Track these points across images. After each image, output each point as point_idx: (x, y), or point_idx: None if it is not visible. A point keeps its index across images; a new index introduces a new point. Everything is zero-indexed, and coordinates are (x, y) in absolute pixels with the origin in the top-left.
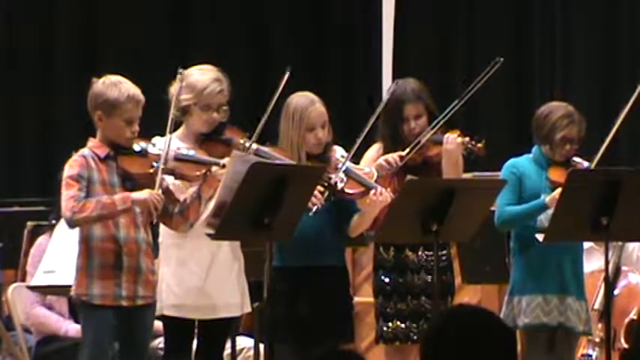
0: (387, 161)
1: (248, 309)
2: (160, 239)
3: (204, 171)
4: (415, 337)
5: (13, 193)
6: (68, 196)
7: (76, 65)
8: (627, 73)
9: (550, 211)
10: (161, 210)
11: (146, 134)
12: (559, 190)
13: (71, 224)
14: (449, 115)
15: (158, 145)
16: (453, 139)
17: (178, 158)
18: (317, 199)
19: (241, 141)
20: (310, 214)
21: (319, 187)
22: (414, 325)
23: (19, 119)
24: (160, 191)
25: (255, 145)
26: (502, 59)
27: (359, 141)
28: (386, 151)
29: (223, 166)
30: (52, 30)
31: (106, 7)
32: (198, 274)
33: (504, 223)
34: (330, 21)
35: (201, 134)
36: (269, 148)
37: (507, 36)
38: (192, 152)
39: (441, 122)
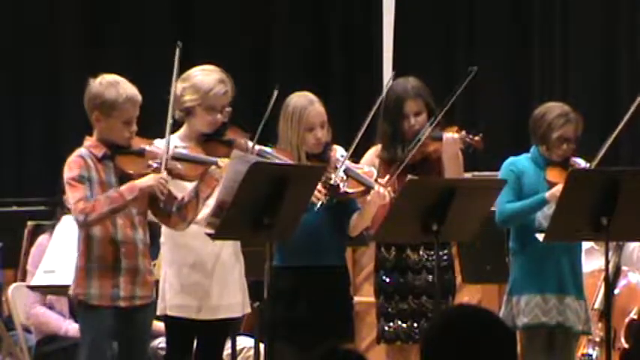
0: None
1: (248, 309)
2: (162, 239)
3: (201, 170)
4: (417, 337)
5: (19, 192)
6: (76, 198)
7: (81, 65)
8: (627, 72)
9: (549, 211)
10: (159, 209)
11: (149, 135)
12: (559, 186)
13: (86, 225)
14: (429, 130)
15: (158, 146)
16: (450, 135)
17: (176, 157)
18: (320, 193)
19: (243, 141)
20: (315, 209)
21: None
22: (416, 324)
23: (24, 119)
24: (165, 173)
25: (257, 146)
26: (476, 68)
27: (357, 138)
28: (385, 150)
29: (220, 166)
30: (57, 29)
31: (109, 7)
32: (201, 275)
33: (505, 220)
34: (330, 21)
35: (202, 134)
36: (271, 149)
37: (507, 35)
38: (186, 151)
39: (426, 134)
